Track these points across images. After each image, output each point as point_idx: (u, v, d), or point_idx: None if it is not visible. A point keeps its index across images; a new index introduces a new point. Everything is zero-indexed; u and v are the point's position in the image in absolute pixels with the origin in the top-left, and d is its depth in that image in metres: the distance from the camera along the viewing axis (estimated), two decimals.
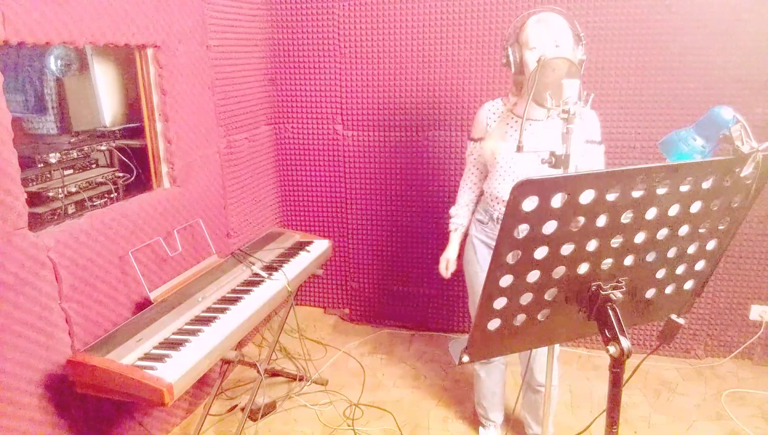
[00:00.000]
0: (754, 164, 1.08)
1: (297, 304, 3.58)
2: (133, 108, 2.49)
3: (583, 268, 1.09)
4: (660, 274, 1.20)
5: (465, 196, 2.19)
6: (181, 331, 1.97)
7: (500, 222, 1.30)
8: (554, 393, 2.24)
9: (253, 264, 2.48)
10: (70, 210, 2.14)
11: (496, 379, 2.34)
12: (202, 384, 2.66)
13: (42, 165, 2.12)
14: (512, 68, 1.87)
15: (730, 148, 1.15)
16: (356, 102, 3.14)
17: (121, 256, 2.10)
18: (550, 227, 1.00)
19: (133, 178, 2.44)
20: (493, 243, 1.15)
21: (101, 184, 2.30)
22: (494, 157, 1.97)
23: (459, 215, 2.20)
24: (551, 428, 2.34)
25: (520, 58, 1.84)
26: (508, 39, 1.88)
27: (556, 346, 2.05)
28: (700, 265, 1.24)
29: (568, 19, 1.83)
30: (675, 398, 2.72)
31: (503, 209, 1.18)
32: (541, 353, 2.09)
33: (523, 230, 0.98)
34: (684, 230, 1.14)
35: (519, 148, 1.58)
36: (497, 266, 1.02)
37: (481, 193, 2.15)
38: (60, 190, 2.11)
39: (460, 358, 1.12)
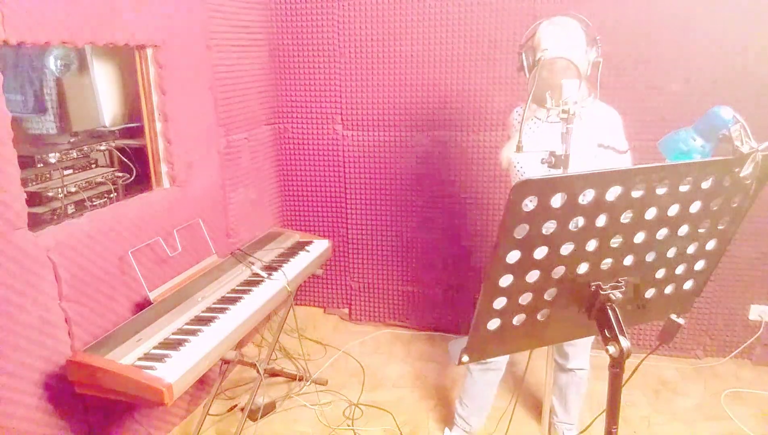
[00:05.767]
0: (753, 164, 1.08)
1: (297, 304, 3.58)
2: (132, 108, 2.49)
3: (583, 268, 1.09)
4: (659, 274, 1.20)
5: None
6: (180, 331, 1.97)
7: None
8: (584, 378, 2.27)
9: (253, 264, 2.48)
10: (70, 210, 2.14)
11: (489, 380, 2.31)
12: (201, 384, 2.66)
13: (42, 165, 2.12)
14: (526, 74, 1.83)
15: (729, 148, 1.15)
16: (356, 102, 3.14)
17: (120, 256, 2.10)
18: (549, 227, 1.00)
19: (132, 178, 2.44)
20: None
21: (101, 184, 2.30)
22: (513, 164, 1.95)
23: None
24: (575, 412, 2.36)
25: (533, 62, 1.81)
26: (522, 45, 1.86)
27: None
28: (699, 265, 1.24)
29: (581, 21, 1.82)
30: (675, 398, 2.72)
31: None
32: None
33: (522, 230, 0.98)
34: (683, 230, 1.14)
35: (518, 148, 1.58)
36: (497, 266, 1.02)
37: None
38: (60, 190, 2.11)
39: (460, 358, 1.12)
